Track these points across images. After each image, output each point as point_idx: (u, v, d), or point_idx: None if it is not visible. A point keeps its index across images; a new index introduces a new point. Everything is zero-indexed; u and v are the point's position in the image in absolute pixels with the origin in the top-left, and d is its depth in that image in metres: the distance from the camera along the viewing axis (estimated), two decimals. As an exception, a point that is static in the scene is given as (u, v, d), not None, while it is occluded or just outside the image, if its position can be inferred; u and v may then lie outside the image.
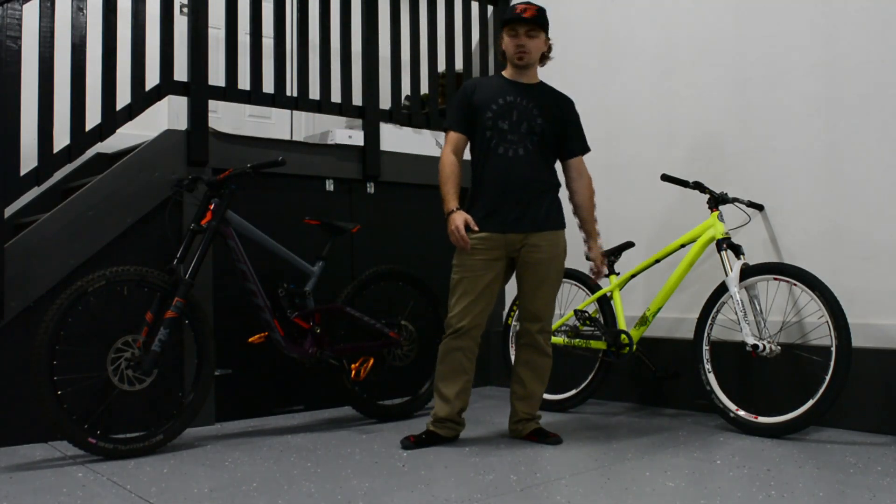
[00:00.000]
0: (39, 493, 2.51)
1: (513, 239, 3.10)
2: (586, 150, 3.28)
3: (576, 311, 3.82)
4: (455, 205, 3.06)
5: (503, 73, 3.23)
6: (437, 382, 3.20)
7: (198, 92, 3.66)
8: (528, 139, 3.11)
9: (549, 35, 3.18)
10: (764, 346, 3.23)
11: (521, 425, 3.24)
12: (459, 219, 3.03)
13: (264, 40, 3.93)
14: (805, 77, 3.51)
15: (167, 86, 3.63)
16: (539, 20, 3.09)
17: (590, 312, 3.82)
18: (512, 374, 3.29)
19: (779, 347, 3.28)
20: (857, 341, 3.15)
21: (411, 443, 3.12)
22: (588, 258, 3.33)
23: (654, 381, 3.94)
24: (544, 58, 3.22)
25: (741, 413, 3.27)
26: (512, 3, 3.18)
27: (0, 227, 3.13)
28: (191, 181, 3.37)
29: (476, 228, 3.05)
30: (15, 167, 3.19)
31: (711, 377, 3.40)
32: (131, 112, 3.55)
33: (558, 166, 3.26)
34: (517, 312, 3.91)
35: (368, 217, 4.23)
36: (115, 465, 2.86)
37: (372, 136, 4.25)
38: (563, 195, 3.24)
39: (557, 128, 3.18)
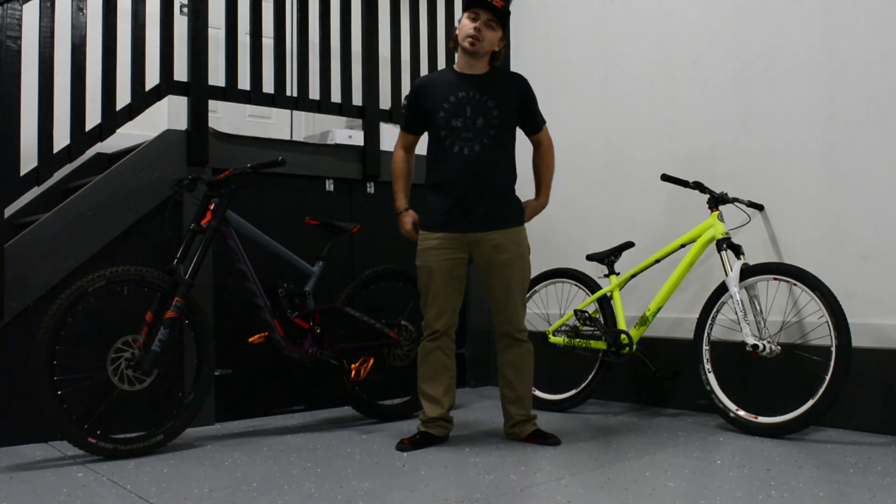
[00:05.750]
0: (39, 493, 2.51)
1: (475, 238, 3.09)
2: (542, 123, 3.24)
3: (576, 311, 3.81)
4: (405, 204, 3.24)
5: (454, 65, 3.16)
6: (422, 384, 3.20)
7: (198, 92, 3.66)
8: (484, 135, 3.05)
9: (508, 37, 3.08)
10: (764, 346, 3.24)
11: (518, 428, 3.21)
12: (409, 222, 3.21)
13: (264, 40, 3.93)
14: (805, 77, 3.51)
15: (167, 86, 3.63)
16: (503, 13, 3.01)
17: (590, 312, 3.81)
18: (499, 378, 3.24)
19: (779, 347, 3.28)
20: (857, 341, 3.15)
21: (406, 445, 3.11)
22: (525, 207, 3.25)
23: (654, 381, 3.94)
24: (495, 57, 3.12)
25: (741, 413, 3.27)
26: None
27: (0, 227, 3.13)
28: (191, 181, 3.36)
29: (417, 232, 3.16)
30: (15, 167, 3.19)
31: (711, 377, 3.40)
32: (131, 112, 3.55)
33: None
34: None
35: (368, 217, 4.23)
36: (115, 465, 2.86)
37: (372, 136, 4.25)
38: (522, 190, 3.24)
39: (516, 114, 3.14)
